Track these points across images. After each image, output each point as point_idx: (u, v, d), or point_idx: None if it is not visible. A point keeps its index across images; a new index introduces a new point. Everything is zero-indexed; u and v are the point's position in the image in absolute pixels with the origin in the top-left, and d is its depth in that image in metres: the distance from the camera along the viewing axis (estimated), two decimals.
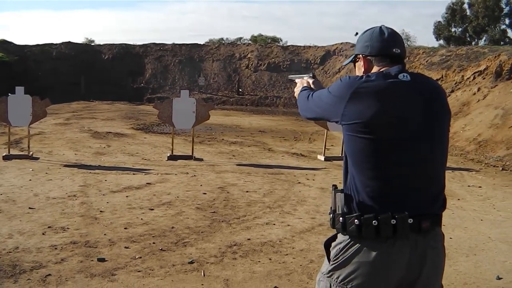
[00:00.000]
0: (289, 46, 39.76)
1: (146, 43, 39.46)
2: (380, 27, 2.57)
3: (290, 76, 3.49)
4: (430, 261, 2.35)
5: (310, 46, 38.78)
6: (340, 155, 13.74)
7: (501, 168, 13.09)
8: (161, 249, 5.65)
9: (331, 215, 2.45)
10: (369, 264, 2.29)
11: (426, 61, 25.92)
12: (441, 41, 41.75)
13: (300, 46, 39.10)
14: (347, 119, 2.37)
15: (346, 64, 2.83)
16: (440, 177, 2.44)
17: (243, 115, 26.41)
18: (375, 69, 2.52)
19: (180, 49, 39.10)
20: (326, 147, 13.81)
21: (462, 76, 21.97)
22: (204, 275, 5.01)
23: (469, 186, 10.70)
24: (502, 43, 37.69)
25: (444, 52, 26.11)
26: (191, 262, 5.31)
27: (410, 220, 2.26)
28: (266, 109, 30.99)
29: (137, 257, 5.36)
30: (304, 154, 14.28)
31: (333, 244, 2.44)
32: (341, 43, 36.82)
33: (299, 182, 10.03)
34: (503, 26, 40.54)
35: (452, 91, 21.83)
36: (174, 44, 39.56)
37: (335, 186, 2.50)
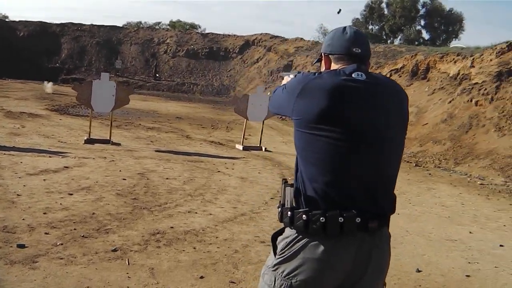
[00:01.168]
0: (208, 33, 39.64)
1: (64, 22, 38.32)
2: (345, 27, 2.57)
3: (281, 74, 3.50)
4: (375, 260, 2.37)
5: (229, 35, 38.77)
6: (258, 145, 13.86)
7: (414, 164, 13.58)
8: (83, 236, 5.48)
9: (279, 209, 2.44)
10: (314, 260, 2.29)
11: None
12: None
13: (219, 34, 39.05)
14: (295, 115, 2.38)
15: (315, 63, 2.79)
16: (390, 179, 2.44)
17: (160, 100, 26.13)
18: (333, 67, 2.52)
19: (98, 31, 38.20)
20: (244, 137, 13.88)
21: (379, 73, 22.52)
22: (128, 263, 4.91)
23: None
24: (416, 43, 39.02)
25: None
26: (115, 250, 5.20)
27: (358, 219, 2.27)
28: (183, 95, 30.80)
29: (58, 243, 5.18)
30: (222, 142, 14.32)
31: (280, 238, 2.44)
32: (261, 34, 37.04)
33: (219, 171, 10.03)
34: (419, 27, 41.99)
35: None
36: (92, 25, 38.62)
37: (285, 180, 2.49)
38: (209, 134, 15.71)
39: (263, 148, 13.75)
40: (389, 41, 41.16)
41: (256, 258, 5.47)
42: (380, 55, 24.57)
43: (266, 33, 36.50)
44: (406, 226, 7.34)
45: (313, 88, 2.33)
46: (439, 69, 19.54)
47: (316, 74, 2.41)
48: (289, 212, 2.35)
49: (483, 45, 19.23)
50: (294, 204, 2.38)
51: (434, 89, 18.88)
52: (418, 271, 5.55)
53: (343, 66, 2.46)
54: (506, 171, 11.94)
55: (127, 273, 4.68)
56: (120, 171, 8.99)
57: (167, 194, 7.73)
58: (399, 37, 42.62)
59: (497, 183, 11.37)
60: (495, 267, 5.95)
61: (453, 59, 19.27)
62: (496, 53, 17.13)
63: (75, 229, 5.70)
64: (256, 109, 13.80)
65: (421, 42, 40.49)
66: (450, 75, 18.53)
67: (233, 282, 4.78)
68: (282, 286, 2.36)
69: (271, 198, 8.26)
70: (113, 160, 9.85)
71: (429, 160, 14.13)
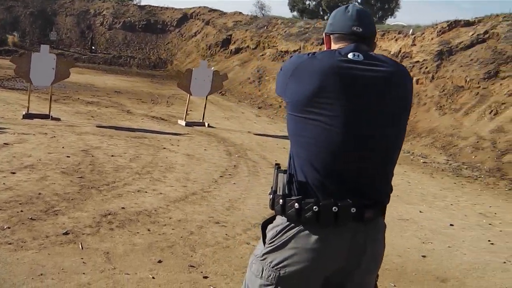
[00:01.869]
0: (146, 6, 38.65)
1: None
2: (347, 5, 2.43)
3: None
4: (370, 251, 2.27)
5: (167, 8, 37.99)
6: (201, 120, 13.67)
7: None
8: (31, 218, 5.21)
9: (271, 195, 2.30)
10: (306, 250, 2.18)
11: (285, 32, 26.35)
12: (295, 13, 42.72)
13: (157, 6, 38.17)
14: (288, 97, 2.26)
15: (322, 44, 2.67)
16: (386, 167, 2.33)
17: (97, 73, 25.35)
18: (333, 48, 2.39)
19: (32, 1, 36.69)
20: (187, 113, 13.66)
21: (320, 49, 22.56)
22: (82, 247, 4.70)
23: None
24: None
25: (303, 24, 26.71)
26: (66, 233, 4.96)
27: (353, 210, 2.16)
28: (120, 68, 29.98)
29: (5, 227, 4.89)
30: (164, 118, 14.03)
31: (270, 226, 2.31)
32: (199, 7, 36.48)
33: (164, 148, 9.81)
34: (355, 3, 42.20)
35: None
36: None
37: (278, 166, 2.35)
38: (150, 109, 15.36)
39: (206, 124, 13.55)
40: (325, 17, 41.31)
41: (213, 240, 5.35)
42: (321, 31, 24.51)
43: (205, 6, 36.01)
44: None
45: (305, 69, 2.21)
46: (380, 46, 19.66)
47: (310, 54, 2.27)
48: (281, 200, 2.22)
49: (424, 24, 19.51)
50: (286, 191, 2.25)
51: None
52: None
53: (342, 46, 2.33)
54: (447, 149, 12.16)
55: (82, 258, 4.47)
56: (63, 147, 8.63)
57: (114, 173, 7.48)
58: None
59: (440, 162, 11.56)
60: (448, 246, 6.02)
61: (395, 37, 19.46)
62: (437, 32, 17.39)
63: (21, 210, 5.41)
64: (200, 84, 13.57)
65: None
66: (392, 52, 18.69)
67: (193, 266, 4.64)
68: (270, 277, 2.24)
69: (220, 176, 8.13)
70: (54, 136, 9.46)
71: None
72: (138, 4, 40.39)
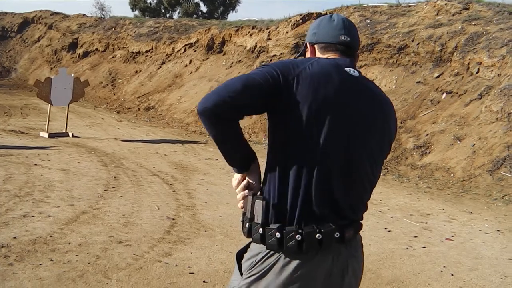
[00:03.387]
0: None
1: None
2: (331, 14, 2.36)
3: None
4: (351, 269, 2.21)
5: (6, 13, 35.78)
6: (63, 131, 13.03)
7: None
8: None
9: (247, 223, 2.16)
10: (288, 276, 2.08)
11: (134, 32, 25.79)
12: (137, 12, 42.02)
13: None
14: (283, 106, 2.10)
15: (299, 56, 2.47)
16: (365, 184, 2.26)
17: None
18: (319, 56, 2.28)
19: None
20: (44, 123, 12.98)
21: (173, 48, 22.37)
22: None
23: (206, 159, 10.97)
24: (195, 16, 39.34)
25: (152, 23, 26.29)
26: None
27: (337, 234, 2.10)
28: None
29: None
30: (23, 131, 13.22)
31: (247, 255, 2.18)
32: (40, 11, 34.71)
33: (35, 164, 9.20)
34: (197, 0, 42.27)
35: (164, 63, 22.15)
36: None
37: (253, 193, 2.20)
38: (5, 123, 14.36)
39: (70, 134, 12.93)
40: (168, 15, 41.12)
41: (122, 262, 5.06)
42: (172, 30, 24.29)
43: (46, 10, 34.20)
44: None
45: (309, 76, 2.06)
46: (235, 42, 19.83)
47: (309, 60, 2.15)
48: (260, 229, 2.10)
49: (276, 18, 19.92)
50: (264, 219, 2.11)
51: (232, 63, 19.15)
52: None
53: (333, 57, 2.24)
54: None
55: None
56: None
57: None
58: (178, 10, 42.60)
59: None
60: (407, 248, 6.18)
61: (249, 32, 19.67)
62: (292, 25, 17.82)
63: None
64: (60, 93, 13.00)
65: (199, 15, 40.95)
66: (247, 48, 18.91)
67: None
68: None
69: (104, 190, 7.76)
70: None
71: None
72: None
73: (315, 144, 2.06)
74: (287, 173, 2.09)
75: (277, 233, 2.06)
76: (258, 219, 2.12)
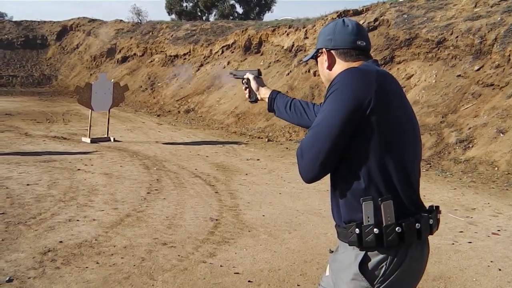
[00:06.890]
0: (22, 21, 36.75)
1: None
2: (343, 19, 2.38)
3: (231, 71, 3.21)
4: (426, 262, 2.28)
5: (45, 22, 36.42)
6: (105, 135, 13.15)
7: (267, 139, 13.62)
8: None
9: (357, 229, 2.10)
10: (410, 273, 2.15)
11: (171, 36, 25.96)
12: (173, 16, 42.37)
13: (34, 21, 36.50)
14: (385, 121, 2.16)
15: (307, 60, 2.54)
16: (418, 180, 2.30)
17: None
18: (339, 63, 2.32)
19: None
20: (86, 129, 13.13)
21: (211, 50, 22.45)
22: None
23: (247, 159, 10.93)
24: (231, 17, 39.47)
25: (189, 26, 26.45)
26: (10, 280, 4.47)
27: (431, 221, 2.19)
28: (3, 89, 28.31)
29: None
30: (66, 137, 13.39)
31: (372, 264, 2.11)
32: (78, 18, 35.31)
33: (79, 169, 9.29)
34: (232, 1, 42.38)
35: (202, 65, 22.21)
36: None
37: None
38: (48, 129, 14.59)
39: (112, 139, 13.05)
40: (204, 17, 41.32)
41: (167, 263, 5.05)
42: (209, 32, 24.40)
43: (84, 17, 34.80)
44: (293, 205, 7.31)
45: (386, 86, 2.15)
46: (272, 42, 19.79)
47: (366, 74, 2.15)
48: (375, 229, 2.07)
49: (312, 17, 19.80)
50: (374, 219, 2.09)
51: (270, 63, 19.11)
52: (331, 251, 5.43)
53: (356, 62, 2.28)
54: None
55: None
56: None
57: (37, 203, 6.94)
58: (214, 13, 42.79)
59: None
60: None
61: (285, 31, 19.60)
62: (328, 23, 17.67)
63: None
64: (101, 98, 13.14)
65: (235, 17, 41.06)
66: (285, 47, 18.84)
67: None
68: None
69: (147, 193, 7.78)
70: None
71: (279, 134, 14.24)
72: (13, 20, 38.44)
73: (400, 144, 2.13)
74: (388, 172, 2.10)
75: (397, 228, 2.06)
76: (371, 219, 2.09)
